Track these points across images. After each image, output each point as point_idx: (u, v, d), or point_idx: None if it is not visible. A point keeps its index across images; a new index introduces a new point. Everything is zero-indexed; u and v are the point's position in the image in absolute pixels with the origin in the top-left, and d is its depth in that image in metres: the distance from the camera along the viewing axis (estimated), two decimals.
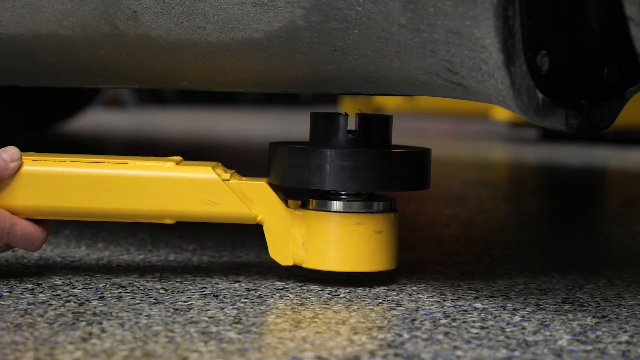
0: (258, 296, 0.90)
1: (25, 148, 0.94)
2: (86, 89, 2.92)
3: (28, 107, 2.80)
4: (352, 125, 0.93)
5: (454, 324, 0.82)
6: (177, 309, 0.84)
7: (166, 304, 0.86)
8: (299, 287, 0.94)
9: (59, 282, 0.93)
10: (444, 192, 1.90)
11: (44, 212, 0.93)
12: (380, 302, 0.89)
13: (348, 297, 0.90)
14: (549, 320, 0.84)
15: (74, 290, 0.90)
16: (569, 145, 3.39)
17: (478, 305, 0.89)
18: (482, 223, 1.50)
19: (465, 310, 0.86)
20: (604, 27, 0.80)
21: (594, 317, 0.86)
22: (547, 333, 0.79)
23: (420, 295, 0.92)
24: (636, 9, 0.72)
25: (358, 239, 0.92)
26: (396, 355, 0.72)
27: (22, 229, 0.91)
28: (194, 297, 0.89)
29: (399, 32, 0.79)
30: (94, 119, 3.97)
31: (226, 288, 0.93)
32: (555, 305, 0.90)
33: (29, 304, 0.84)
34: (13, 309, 0.82)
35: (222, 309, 0.85)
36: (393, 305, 0.88)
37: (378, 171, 0.91)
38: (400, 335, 0.78)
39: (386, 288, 0.94)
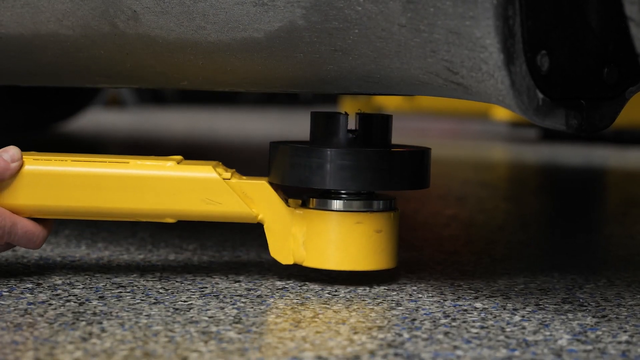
0: (258, 296, 0.90)
1: (25, 148, 0.94)
2: (86, 89, 2.91)
3: (28, 107, 2.80)
4: (352, 124, 0.93)
5: (454, 323, 0.82)
6: (177, 309, 0.84)
7: (166, 303, 0.86)
8: (299, 286, 0.94)
9: (59, 281, 0.93)
10: (444, 192, 1.90)
11: (45, 212, 0.93)
12: (381, 302, 0.89)
13: (348, 296, 0.90)
14: (549, 320, 0.84)
15: (74, 290, 0.90)
16: (569, 145, 3.39)
17: (478, 305, 0.89)
18: (482, 223, 1.50)
19: (465, 310, 0.86)
20: (604, 27, 0.80)
21: (594, 316, 0.86)
22: (547, 333, 0.79)
23: (420, 295, 0.92)
24: (636, 9, 0.72)
25: (358, 237, 0.92)
26: (396, 355, 0.72)
27: (23, 228, 0.91)
28: (194, 296, 0.89)
29: (399, 32, 0.79)
30: (94, 119, 3.98)
31: (226, 288, 0.93)
32: (555, 305, 0.90)
33: (29, 303, 0.84)
34: (13, 308, 0.82)
35: (222, 308, 0.85)
36: (393, 305, 0.88)
37: (378, 170, 0.91)
38: (400, 335, 0.78)
39: (386, 288, 0.94)
